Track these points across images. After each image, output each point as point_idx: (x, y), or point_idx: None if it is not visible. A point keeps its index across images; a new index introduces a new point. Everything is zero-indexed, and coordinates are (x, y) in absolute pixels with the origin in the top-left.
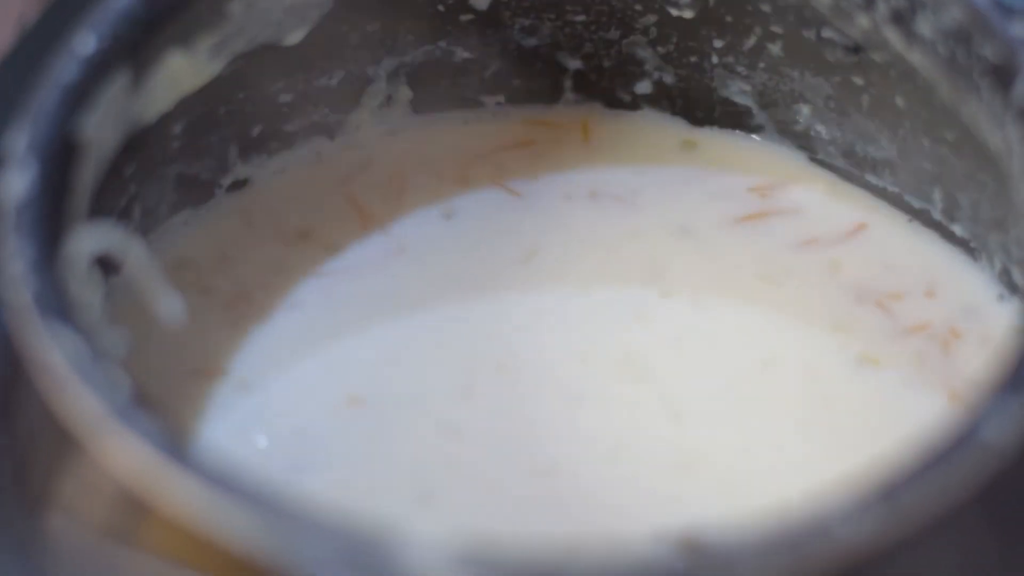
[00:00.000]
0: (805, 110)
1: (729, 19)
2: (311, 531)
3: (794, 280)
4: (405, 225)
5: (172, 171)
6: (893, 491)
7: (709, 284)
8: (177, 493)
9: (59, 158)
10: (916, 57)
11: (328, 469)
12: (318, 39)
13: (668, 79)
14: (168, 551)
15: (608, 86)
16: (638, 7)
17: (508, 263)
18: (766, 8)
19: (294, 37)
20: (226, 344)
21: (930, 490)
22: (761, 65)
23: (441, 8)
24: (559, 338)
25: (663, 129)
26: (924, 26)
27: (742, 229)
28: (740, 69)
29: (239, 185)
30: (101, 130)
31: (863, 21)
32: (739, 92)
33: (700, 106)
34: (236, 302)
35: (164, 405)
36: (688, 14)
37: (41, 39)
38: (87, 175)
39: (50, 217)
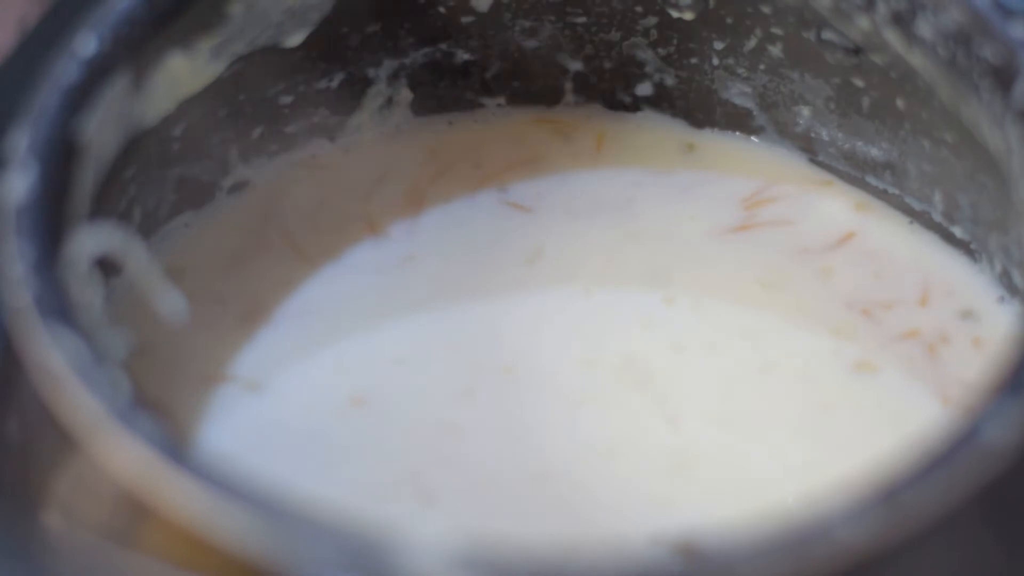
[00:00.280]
0: (805, 112)
1: (729, 21)
2: (311, 533)
3: (794, 285)
4: (406, 227)
5: (173, 173)
6: (894, 492)
7: (711, 290)
8: (176, 495)
9: (60, 160)
10: (916, 59)
11: (330, 468)
12: (318, 41)
13: (669, 81)
14: (167, 553)
15: (609, 88)
16: (639, 9)
17: (512, 265)
18: (766, 10)
19: (294, 39)
20: (228, 346)
21: (931, 491)
22: (761, 67)
23: (442, 10)
24: (562, 342)
25: (663, 131)
26: (924, 28)
27: (743, 234)
28: (740, 71)
29: (240, 187)
30: (102, 132)
31: (863, 23)
32: (739, 94)
33: (701, 108)
34: (238, 304)
35: (166, 407)
36: (688, 16)
37: (42, 41)
38: (88, 177)
39: (51, 218)
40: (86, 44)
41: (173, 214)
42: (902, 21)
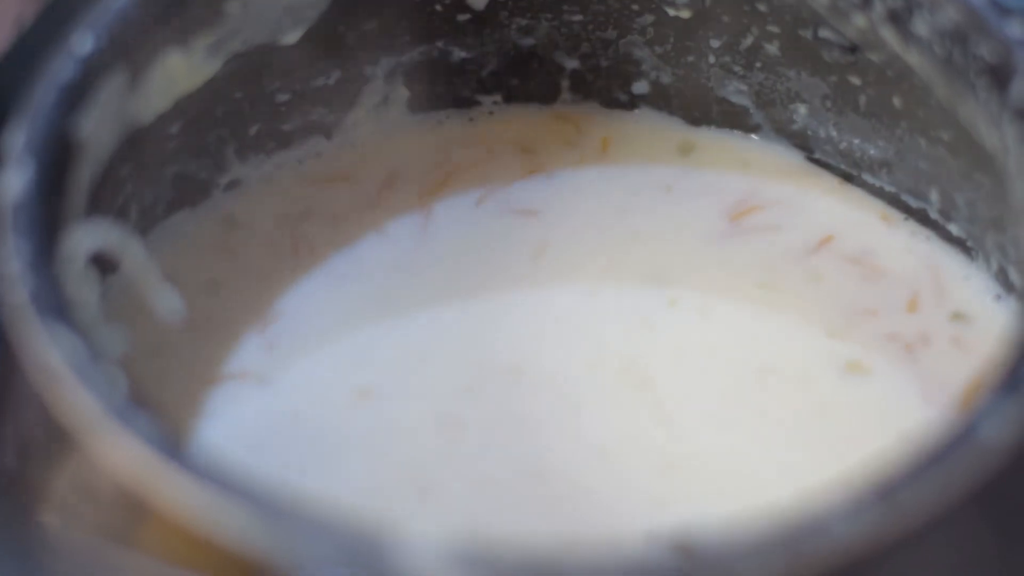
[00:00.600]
0: (802, 110)
1: (726, 19)
2: (308, 530)
3: (790, 286)
4: (404, 225)
5: (169, 170)
6: (891, 490)
7: (712, 291)
8: (174, 492)
9: (56, 157)
10: (913, 57)
11: (331, 461)
12: (315, 39)
13: (665, 79)
14: (165, 551)
15: (605, 86)
16: (635, 7)
17: (516, 262)
18: (763, 8)
19: (291, 37)
20: (226, 342)
21: (928, 489)
22: (758, 65)
23: (438, 8)
24: (567, 342)
25: (659, 130)
26: (921, 26)
27: (741, 234)
28: (737, 69)
29: (236, 184)
30: (98, 129)
31: (860, 21)
32: (736, 92)
33: (697, 106)
34: (236, 301)
35: (164, 404)
36: (685, 14)
37: (38, 39)
38: (84, 174)
39: (47, 216)
40: (83, 42)
41: (170, 211)
42: (898, 19)
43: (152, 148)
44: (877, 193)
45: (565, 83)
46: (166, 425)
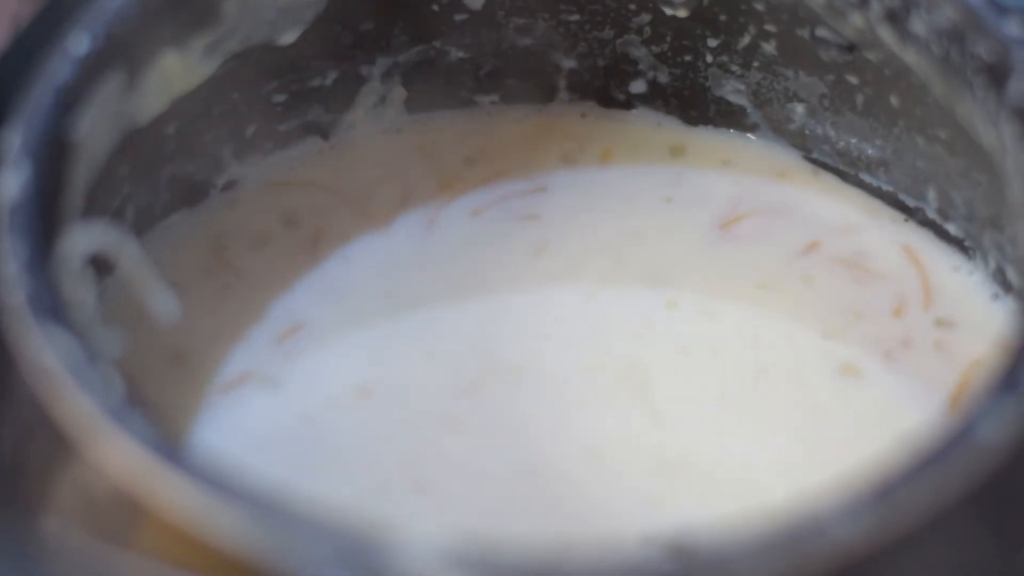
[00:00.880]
0: (799, 109)
1: (723, 18)
2: (306, 531)
3: (788, 286)
4: (402, 226)
5: (166, 171)
6: (889, 490)
7: (712, 292)
8: (171, 494)
9: (53, 158)
10: (910, 56)
11: (331, 458)
12: (312, 39)
13: (662, 78)
14: (163, 552)
15: (602, 85)
16: (632, 6)
17: (517, 259)
18: (760, 7)
19: (288, 37)
20: (224, 342)
21: (926, 489)
22: (755, 64)
23: (435, 8)
24: (568, 344)
25: (657, 129)
26: (918, 25)
27: (739, 234)
28: (734, 68)
29: (233, 185)
30: (95, 130)
31: (857, 20)
32: (733, 91)
33: (694, 105)
34: (235, 301)
35: (165, 406)
36: (682, 13)
37: (35, 39)
38: (81, 175)
39: (43, 217)
40: (79, 43)
41: (166, 212)
42: (896, 18)
43: (149, 149)
44: (874, 193)
45: (562, 83)
46: (163, 426)
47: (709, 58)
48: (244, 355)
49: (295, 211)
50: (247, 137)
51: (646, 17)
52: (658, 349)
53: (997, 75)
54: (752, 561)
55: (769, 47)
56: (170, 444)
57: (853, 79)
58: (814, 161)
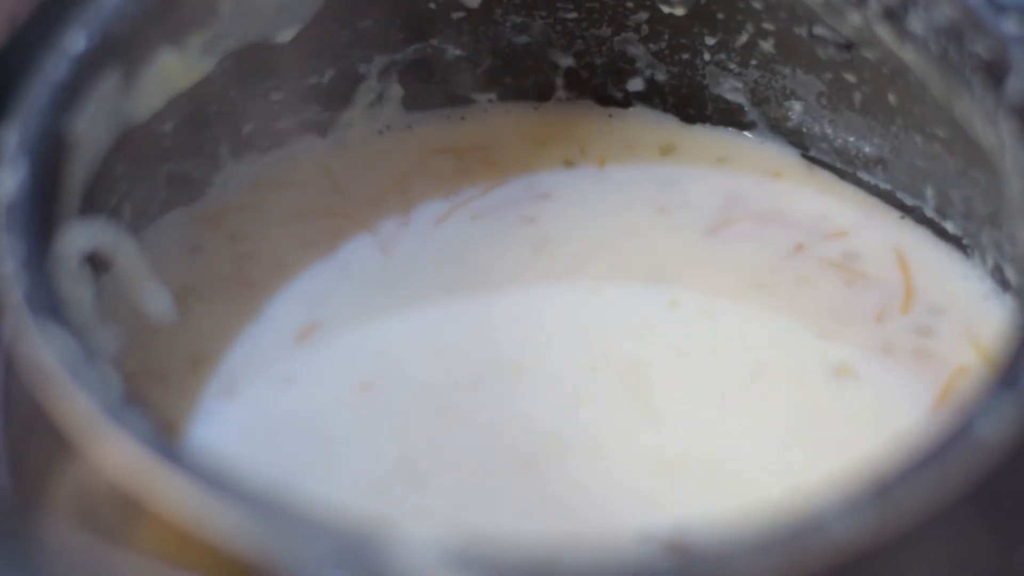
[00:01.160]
0: (797, 107)
1: (721, 16)
2: (304, 530)
3: (785, 286)
4: (401, 223)
5: (163, 169)
6: (888, 487)
7: (710, 291)
8: (169, 492)
9: (50, 156)
10: (908, 54)
11: (330, 451)
12: (309, 37)
13: (660, 76)
14: (161, 551)
15: (600, 83)
16: (629, 4)
17: (517, 258)
18: (758, 5)
19: (285, 35)
20: (221, 340)
21: (924, 486)
22: (753, 62)
23: (432, 6)
24: (567, 339)
25: (654, 127)
26: (916, 23)
27: (737, 234)
28: (732, 66)
29: (230, 183)
30: (92, 128)
31: (855, 18)
32: (731, 89)
33: (692, 103)
34: (232, 299)
35: (163, 403)
36: (680, 11)
37: (32, 37)
38: (78, 173)
39: (40, 215)
40: (76, 41)
41: (164, 210)
42: (894, 16)
43: (146, 147)
44: (872, 191)
45: (560, 81)
46: (161, 424)
47: (707, 56)
48: (241, 352)
49: (293, 210)
50: (244, 135)
51: (644, 15)
52: (658, 348)
53: (995, 73)
54: (751, 558)
55: (767, 45)
56: (168, 442)
57: (851, 77)
58: (811, 159)
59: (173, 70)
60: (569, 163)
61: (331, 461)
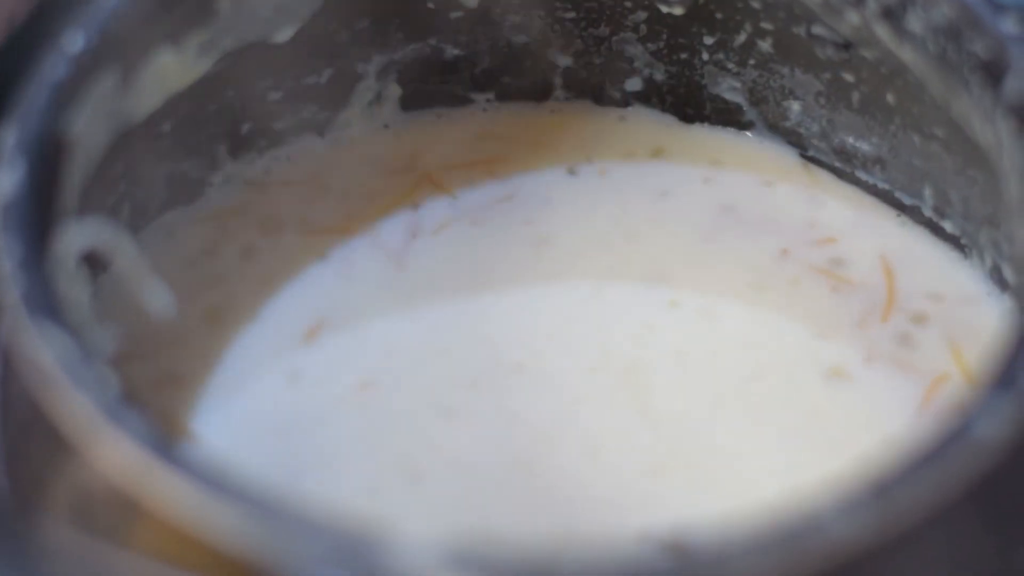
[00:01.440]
0: (795, 107)
1: (719, 16)
2: (302, 529)
3: (782, 286)
4: (400, 223)
5: (161, 169)
6: (887, 487)
7: (710, 292)
8: (167, 492)
9: (48, 156)
10: (906, 53)
11: (330, 449)
12: (307, 37)
13: (658, 76)
14: (160, 551)
15: (598, 83)
16: (628, 4)
17: (518, 258)
18: (756, 5)
19: (283, 35)
20: (220, 339)
21: (923, 487)
22: (751, 62)
23: (431, 5)
24: (567, 339)
25: (653, 126)
26: (914, 22)
27: (736, 235)
28: (730, 66)
29: (229, 183)
30: (90, 128)
31: (853, 18)
32: (729, 89)
33: (690, 103)
34: (231, 298)
35: (162, 403)
36: (678, 11)
37: (30, 37)
38: (76, 173)
39: (38, 215)
40: (74, 41)
41: (162, 210)
42: (892, 16)
43: (144, 147)
44: (870, 190)
45: (558, 80)
46: (159, 424)
47: (705, 56)
48: (240, 351)
49: (291, 209)
50: (242, 135)
51: (642, 15)
52: (658, 349)
53: (993, 72)
54: (749, 558)
55: (765, 45)
56: (165, 442)
57: (849, 77)
58: (810, 159)
59: (171, 70)
60: (568, 163)
61: (331, 460)
